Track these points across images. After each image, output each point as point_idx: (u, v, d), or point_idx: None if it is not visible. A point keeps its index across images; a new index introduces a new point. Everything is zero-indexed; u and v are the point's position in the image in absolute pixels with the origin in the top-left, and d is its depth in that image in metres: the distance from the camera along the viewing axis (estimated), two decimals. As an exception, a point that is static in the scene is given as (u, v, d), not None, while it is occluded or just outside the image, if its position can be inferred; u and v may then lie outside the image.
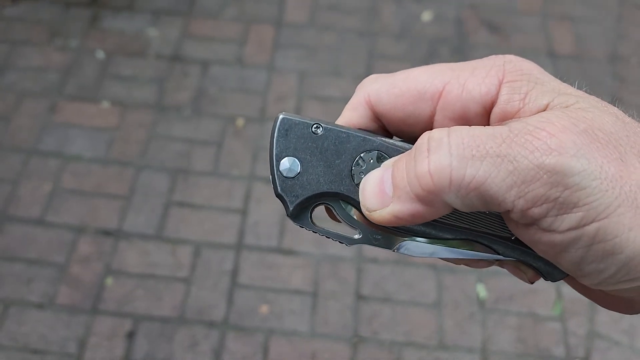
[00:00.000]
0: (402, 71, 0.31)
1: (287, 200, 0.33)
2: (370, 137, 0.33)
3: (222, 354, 1.44)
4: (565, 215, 0.25)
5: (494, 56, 0.30)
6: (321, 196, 0.33)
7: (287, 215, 0.34)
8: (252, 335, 1.47)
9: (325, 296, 1.54)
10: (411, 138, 0.33)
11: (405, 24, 2.19)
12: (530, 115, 0.27)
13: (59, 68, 1.97)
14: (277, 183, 0.33)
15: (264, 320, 1.49)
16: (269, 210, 1.68)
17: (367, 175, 0.30)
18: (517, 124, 0.26)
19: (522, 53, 2.18)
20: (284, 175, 0.33)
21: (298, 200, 0.33)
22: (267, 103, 1.92)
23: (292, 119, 0.34)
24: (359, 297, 1.54)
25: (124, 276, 1.54)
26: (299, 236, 1.63)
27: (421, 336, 1.49)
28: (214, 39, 2.09)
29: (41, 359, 1.41)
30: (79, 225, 1.62)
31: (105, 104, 1.88)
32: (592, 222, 0.25)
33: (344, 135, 0.33)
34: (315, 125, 0.33)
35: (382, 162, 0.32)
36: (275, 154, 0.33)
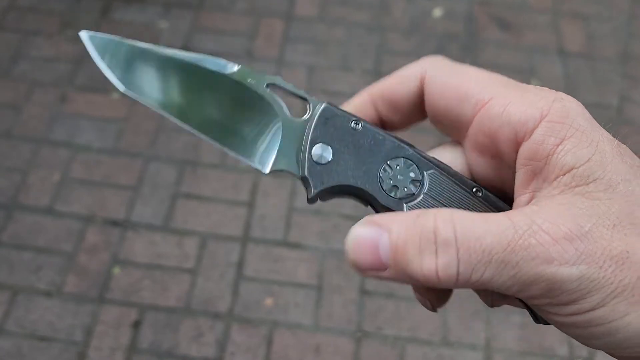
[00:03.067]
0: (464, 65, 0.31)
1: (312, 184, 0.33)
2: (404, 145, 0.33)
3: (227, 345, 1.45)
4: (563, 307, 0.27)
5: (547, 89, 0.30)
6: (344, 189, 0.33)
7: (308, 199, 0.34)
8: (257, 328, 1.48)
9: (330, 290, 1.54)
10: (445, 129, 0.33)
11: (416, 19, 2.19)
12: (552, 174, 0.28)
13: (70, 59, 1.98)
14: (306, 165, 0.33)
15: (268, 313, 1.50)
16: (275, 204, 1.68)
17: (354, 230, 0.29)
18: (523, 221, 0.26)
19: (533, 50, 2.18)
20: (314, 159, 0.33)
21: (322, 187, 0.33)
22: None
23: (334, 110, 0.34)
24: (364, 291, 1.55)
25: (131, 266, 1.56)
26: (305, 230, 1.64)
27: (425, 332, 1.49)
28: (224, 32, 2.09)
29: (48, 346, 1.42)
30: (88, 215, 1.63)
31: (115, 95, 1.89)
32: (589, 311, 0.26)
33: (380, 137, 0.33)
34: (354, 121, 0.33)
35: (411, 170, 0.32)
36: (311, 138, 0.34)
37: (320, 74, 2.00)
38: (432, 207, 0.32)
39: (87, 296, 1.50)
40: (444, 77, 0.31)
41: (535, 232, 0.26)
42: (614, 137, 0.29)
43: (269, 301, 1.52)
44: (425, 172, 0.32)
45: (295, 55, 2.04)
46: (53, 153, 1.75)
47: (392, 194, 0.33)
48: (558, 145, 0.27)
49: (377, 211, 0.33)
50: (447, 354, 1.46)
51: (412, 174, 0.33)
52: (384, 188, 0.33)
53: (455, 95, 0.30)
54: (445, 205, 0.32)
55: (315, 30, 2.12)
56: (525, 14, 2.22)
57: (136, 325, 1.47)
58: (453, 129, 0.31)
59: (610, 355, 0.29)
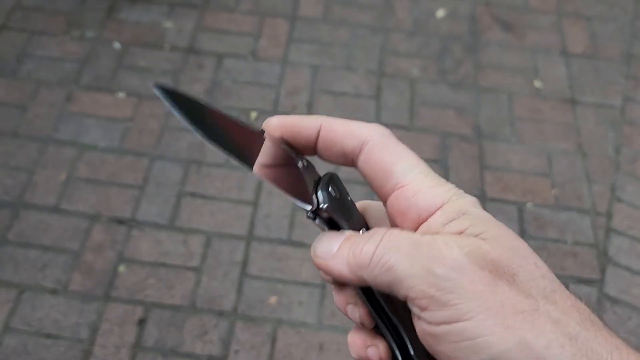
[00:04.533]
0: (399, 144, 0.38)
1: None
2: None
3: (231, 343, 1.46)
4: (439, 312, 0.31)
5: (452, 186, 0.37)
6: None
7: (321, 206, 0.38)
8: (261, 326, 1.49)
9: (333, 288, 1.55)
10: (370, 184, 0.39)
11: (419, 20, 2.20)
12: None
13: (75, 58, 1.99)
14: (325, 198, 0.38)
15: (272, 311, 1.51)
16: (279, 203, 1.69)
17: (329, 233, 0.38)
18: (429, 238, 0.33)
19: (536, 51, 2.18)
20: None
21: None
22: (280, 96, 1.94)
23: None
24: (367, 290, 1.55)
25: (137, 264, 1.57)
26: (308, 229, 1.65)
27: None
28: (229, 32, 2.10)
29: (54, 343, 1.44)
30: (93, 214, 1.65)
31: (121, 95, 1.91)
32: (457, 320, 0.31)
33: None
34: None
35: None
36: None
37: (324, 74, 2.00)
38: None
39: (92, 294, 1.51)
40: (379, 150, 0.37)
41: (433, 245, 0.32)
42: None
43: (273, 299, 1.53)
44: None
45: (299, 56, 2.05)
46: (59, 152, 1.77)
47: None
48: (448, 223, 0.34)
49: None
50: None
51: None
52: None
53: (383, 169, 0.37)
54: None
55: (319, 31, 2.13)
56: (528, 15, 2.23)
57: (141, 323, 1.48)
58: (375, 190, 0.38)
59: None
